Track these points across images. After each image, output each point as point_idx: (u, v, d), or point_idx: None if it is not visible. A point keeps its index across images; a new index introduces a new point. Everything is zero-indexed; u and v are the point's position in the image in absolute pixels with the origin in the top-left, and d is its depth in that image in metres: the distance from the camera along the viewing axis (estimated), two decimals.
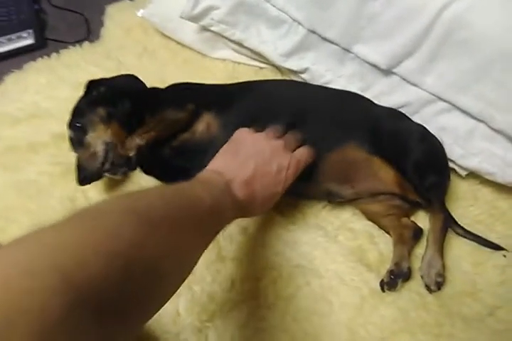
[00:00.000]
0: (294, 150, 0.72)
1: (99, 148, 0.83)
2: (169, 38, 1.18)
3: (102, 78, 0.93)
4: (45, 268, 0.29)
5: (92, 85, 0.91)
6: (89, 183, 0.84)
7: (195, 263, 0.49)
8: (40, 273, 0.29)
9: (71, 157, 0.86)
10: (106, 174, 0.82)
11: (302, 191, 0.84)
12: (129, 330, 0.38)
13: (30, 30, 1.25)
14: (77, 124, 0.85)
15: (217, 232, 0.55)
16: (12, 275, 0.28)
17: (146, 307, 0.40)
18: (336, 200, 0.84)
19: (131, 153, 0.79)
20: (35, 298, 0.27)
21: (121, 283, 0.34)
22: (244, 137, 0.70)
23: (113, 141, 0.84)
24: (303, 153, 0.73)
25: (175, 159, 0.85)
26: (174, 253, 0.44)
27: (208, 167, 0.64)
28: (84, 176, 0.82)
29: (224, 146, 0.69)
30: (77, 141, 0.85)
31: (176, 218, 0.45)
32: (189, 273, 0.47)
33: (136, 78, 0.95)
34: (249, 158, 0.65)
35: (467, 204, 0.84)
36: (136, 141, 0.80)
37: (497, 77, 0.81)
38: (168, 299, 0.44)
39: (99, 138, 0.83)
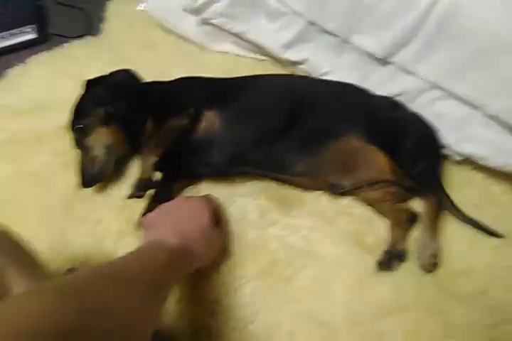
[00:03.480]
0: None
1: (100, 151, 0.86)
2: (170, 31, 1.20)
3: (99, 76, 0.94)
4: None
5: (90, 84, 0.92)
6: (93, 186, 0.87)
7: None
8: None
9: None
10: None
11: (306, 185, 0.87)
12: None
13: (33, 25, 1.27)
14: (78, 126, 0.88)
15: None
16: None
17: None
18: (337, 191, 0.86)
19: (150, 175, 0.84)
20: None
21: None
22: None
23: (113, 142, 0.87)
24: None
25: (178, 157, 0.87)
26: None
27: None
28: (87, 179, 0.85)
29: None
30: (79, 143, 0.88)
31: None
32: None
33: (134, 73, 0.96)
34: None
35: (461, 188, 0.85)
36: (151, 159, 0.83)
37: (491, 65, 0.83)
38: None
39: (99, 140, 0.86)
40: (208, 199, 0.78)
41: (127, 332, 0.47)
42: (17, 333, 0.36)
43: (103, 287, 0.48)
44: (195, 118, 0.86)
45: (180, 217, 0.72)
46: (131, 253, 0.60)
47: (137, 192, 0.84)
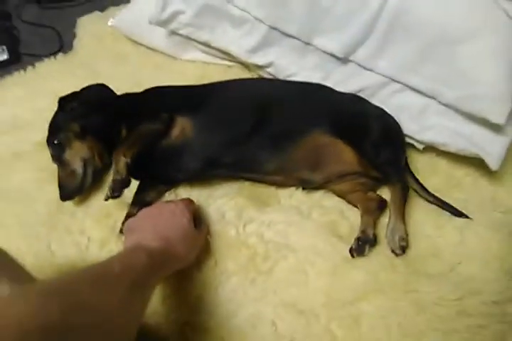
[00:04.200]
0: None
1: (78, 165, 0.88)
2: (140, 44, 1.24)
3: (72, 92, 0.97)
4: None
5: (64, 101, 0.95)
6: (73, 199, 0.89)
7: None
8: None
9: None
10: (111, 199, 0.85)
11: (279, 182, 0.91)
12: None
13: (4, 47, 1.30)
14: (55, 142, 0.90)
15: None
16: None
17: None
18: (309, 186, 0.90)
19: (124, 175, 0.83)
20: None
21: None
22: None
23: (90, 155, 0.89)
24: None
25: (153, 163, 0.89)
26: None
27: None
28: (66, 193, 0.88)
29: None
30: (57, 158, 0.90)
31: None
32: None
33: (106, 87, 0.99)
34: None
35: (426, 175, 0.90)
36: (123, 160, 0.83)
37: (440, 57, 0.89)
38: None
39: (76, 155, 0.89)
40: (186, 202, 0.81)
41: (110, 327, 0.50)
42: (5, 334, 0.39)
43: (83, 287, 0.51)
44: (168, 124, 0.88)
45: (161, 220, 0.75)
46: (112, 257, 0.63)
47: (113, 193, 0.84)
